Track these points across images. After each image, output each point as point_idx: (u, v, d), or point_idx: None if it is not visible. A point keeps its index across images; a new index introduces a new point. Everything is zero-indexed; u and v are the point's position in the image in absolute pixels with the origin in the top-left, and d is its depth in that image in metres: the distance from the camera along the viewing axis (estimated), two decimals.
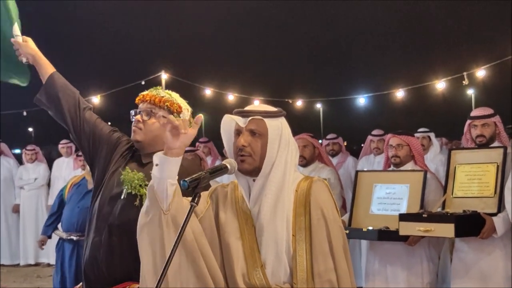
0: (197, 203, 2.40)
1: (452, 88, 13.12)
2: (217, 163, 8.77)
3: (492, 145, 5.06)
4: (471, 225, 4.73)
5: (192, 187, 2.40)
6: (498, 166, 4.87)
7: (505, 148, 4.92)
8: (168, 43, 32.49)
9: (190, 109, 3.41)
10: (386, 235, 5.01)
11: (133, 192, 3.17)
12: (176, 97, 3.37)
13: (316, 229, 2.56)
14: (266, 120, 2.62)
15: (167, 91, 3.40)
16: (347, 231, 5.17)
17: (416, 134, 8.20)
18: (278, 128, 2.63)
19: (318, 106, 28.68)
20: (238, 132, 2.65)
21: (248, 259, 2.57)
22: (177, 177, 2.51)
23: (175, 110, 3.30)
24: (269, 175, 2.59)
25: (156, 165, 2.48)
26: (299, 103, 15.47)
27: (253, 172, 2.61)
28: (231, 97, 14.96)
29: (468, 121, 5.16)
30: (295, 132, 5.84)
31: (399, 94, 13.62)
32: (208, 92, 14.90)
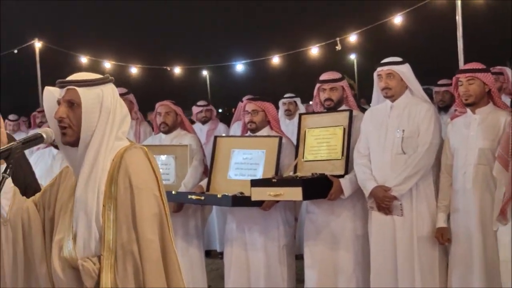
0: (9, 175, 2.34)
1: (325, 54, 13.36)
2: None
3: (339, 109, 5.16)
4: (319, 187, 4.84)
5: (4, 157, 2.34)
6: (344, 129, 4.97)
7: (350, 111, 5.01)
8: (40, 9, 31.34)
9: None
10: (240, 201, 5.04)
11: None
12: None
13: (122, 199, 2.51)
14: (79, 89, 2.54)
15: None
16: (203, 198, 5.19)
17: (282, 100, 8.33)
18: (98, 96, 2.56)
19: (205, 73, 28.55)
20: (59, 103, 2.57)
21: (66, 231, 2.52)
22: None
23: None
24: (88, 145, 2.53)
25: None
26: (177, 70, 15.31)
27: (77, 143, 2.55)
28: (107, 65, 14.63)
29: (317, 85, 5.21)
30: (173, 99, 5.78)
31: (275, 60, 13.76)
32: (84, 60, 14.50)
